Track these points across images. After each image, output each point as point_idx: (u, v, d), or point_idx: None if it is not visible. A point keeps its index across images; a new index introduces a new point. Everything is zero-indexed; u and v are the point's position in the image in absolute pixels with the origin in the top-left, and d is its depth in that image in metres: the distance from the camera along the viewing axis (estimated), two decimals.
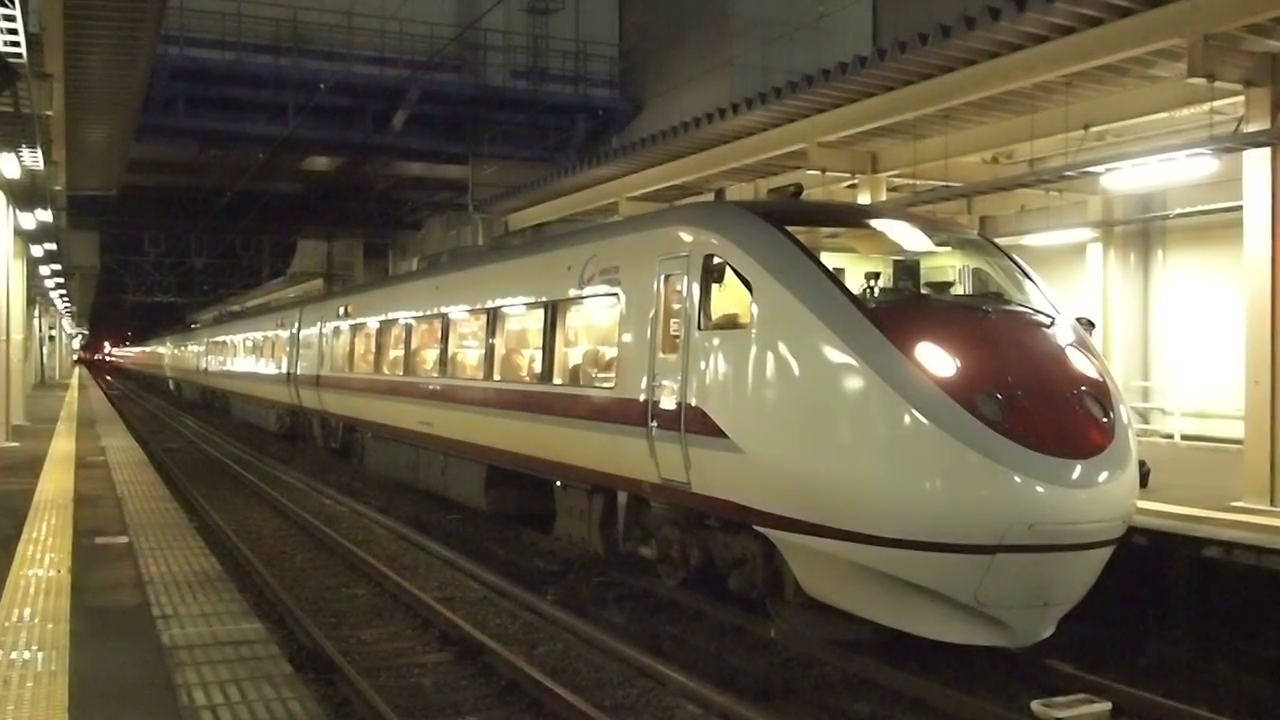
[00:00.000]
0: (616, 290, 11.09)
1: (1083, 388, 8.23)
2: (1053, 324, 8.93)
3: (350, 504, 17.63)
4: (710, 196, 16.92)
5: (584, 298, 12.04)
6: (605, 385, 11.19)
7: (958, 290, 9.67)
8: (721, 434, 8.94)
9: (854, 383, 8.02)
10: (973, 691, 7.99)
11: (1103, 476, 7.78)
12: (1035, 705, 7.56)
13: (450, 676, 8.66)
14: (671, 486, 9.80)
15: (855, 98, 15.47)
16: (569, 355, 12.60)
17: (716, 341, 9.25)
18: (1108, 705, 7.64)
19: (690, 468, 9.41)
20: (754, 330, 8.82)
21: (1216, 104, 12.61)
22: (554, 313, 12.48)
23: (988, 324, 8.58)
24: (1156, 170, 13.10)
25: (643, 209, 20.28)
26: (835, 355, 8.14)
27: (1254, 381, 11.53)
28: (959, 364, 7.93)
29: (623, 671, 8.57)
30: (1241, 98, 12.25)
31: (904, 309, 8.69)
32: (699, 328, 9.48)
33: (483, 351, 14.62)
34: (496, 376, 14.10)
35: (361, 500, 18.06)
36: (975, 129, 15.36)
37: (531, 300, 13.37)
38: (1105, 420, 8.10)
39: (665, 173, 20.35)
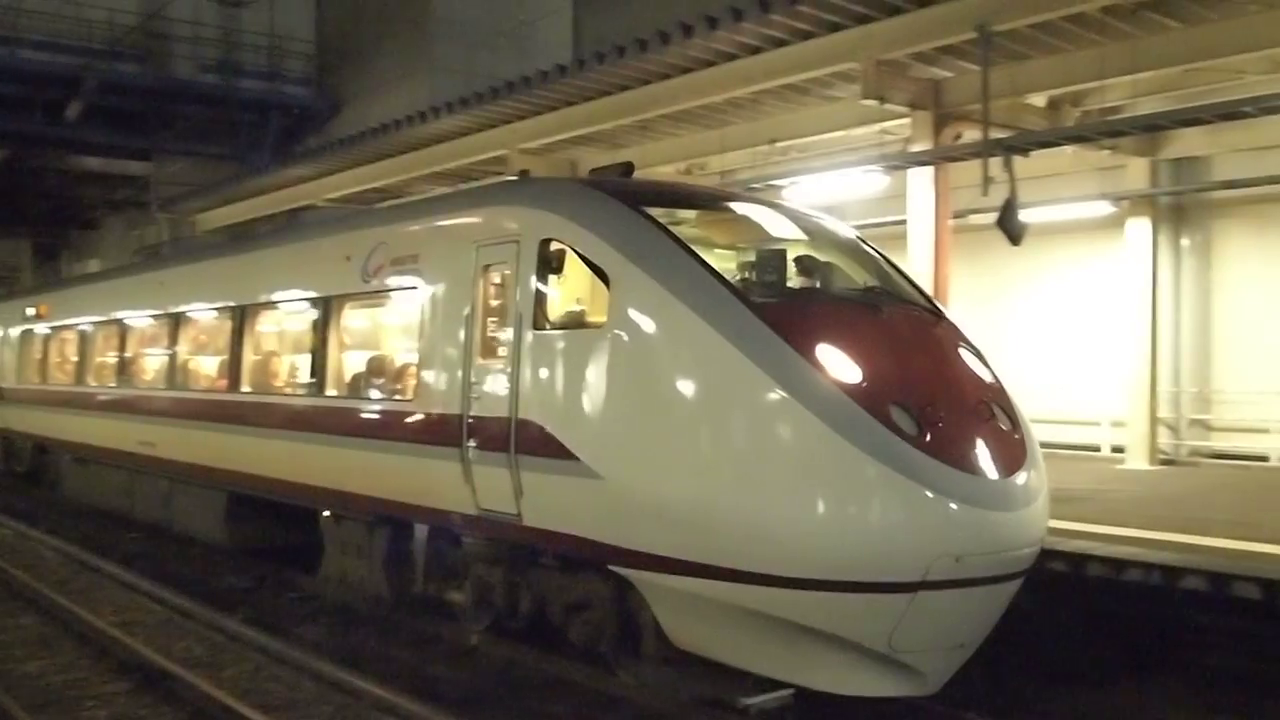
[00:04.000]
0: (415, 283, 9.40)
1: (987, 396, 7.32)
2: (941, 321, 8.03)
3: (15, 526, 16.20)
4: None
5: (369, 293, 10.34)
6: (401, 398, 9.65)
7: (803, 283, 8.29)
8: (569, 456, 7.44)
9: (748, 392, 6.76)
10: (675, 689, 8.13)
11: (1026, 496, 6.94)
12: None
13: (129, 707, 8.10)
14: (493, 518, 8.25)
15: (555, 106, 15.69)
16: (348, 362, 10.88)
17: (561, 344, 7.80)
18: (791, 690, 7.84)
19: (523, 496, 7.90)
20: (613, 330, 7.39)
21: (887, 125, 13.58)
22: (327, 311, 10.74)
23: (884, 323, 7.49)
24: (833, 185, 13.95)
25: (341, 212, 19.77)
26: (722, 359, 6.86)
27: None
28: (865, 370, 6.84)
29: (317, 689, 8.28)
30: (908, 120, 13.24)
31: (795, 305, 7.46)
32: (535, 327, 7.97)
33: (228, 358, 12.61)
34: (246, 388, 12.25)
35: (27, 521, 16.62)
36: (670, 140, 15.91)
37: (296, 296, 11.65)
38: (1017, 434, 7.25)
39: (364, 175, 19.97)
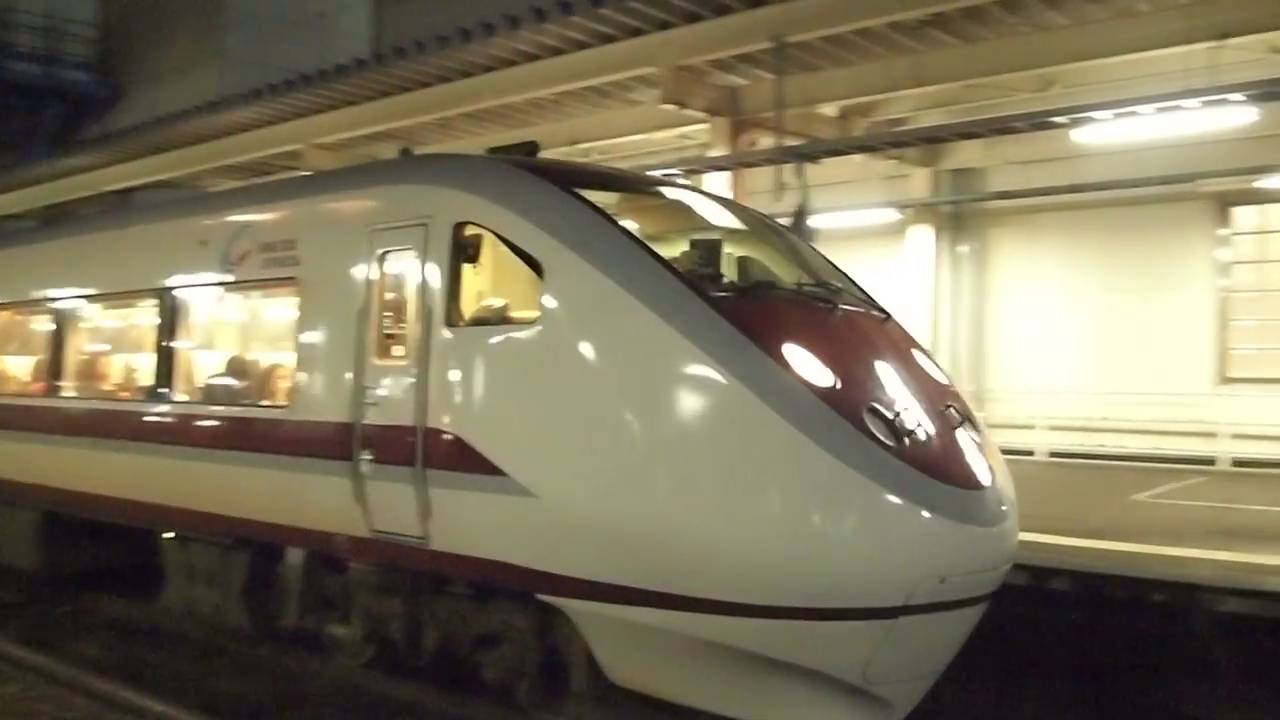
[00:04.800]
0: (291, 273, 8.19)
1: (951, 402, 6.71)
2: (890, 320, 7.35)
3: None
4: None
5: (232, 283, 8.99)
6: (272, 403, 8.53)
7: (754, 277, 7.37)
8: (494, 471, 6.51)
9: (711, 397, 5.99)
10: (473, 701, 8.05)
11: (1004, 509, 6.37)
12: None
13: None
14: (391, 541, 7.19)
15: (354, 101, 15.41)
16: (205, 363, 9.65)
17: (482, 343, 6.83)
18: None
19: (432, 517, 6.91)
20: (547, 326, 6.50)
21: (687, 130, 13.86)
22: (175, 304, 9.48)
23: (844, 322, 6.82)
24: None
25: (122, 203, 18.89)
26: (680, 359, 6.08)
27: None
28: (836, 372, 6.13)
29: (94, 707, 7.87)
30: (707, 125, 13.54)
31: (756, 301, 6.63)
32: (448, 324, 6.95)
33: (47, 358, 11.10)
34: (69, 392, 10.79)
35: None
36: (471, 139, 15.80)
37: (135, 286, 10.17)
38: (981, 441, 6.71)
39: (149, 166, 19.17)
